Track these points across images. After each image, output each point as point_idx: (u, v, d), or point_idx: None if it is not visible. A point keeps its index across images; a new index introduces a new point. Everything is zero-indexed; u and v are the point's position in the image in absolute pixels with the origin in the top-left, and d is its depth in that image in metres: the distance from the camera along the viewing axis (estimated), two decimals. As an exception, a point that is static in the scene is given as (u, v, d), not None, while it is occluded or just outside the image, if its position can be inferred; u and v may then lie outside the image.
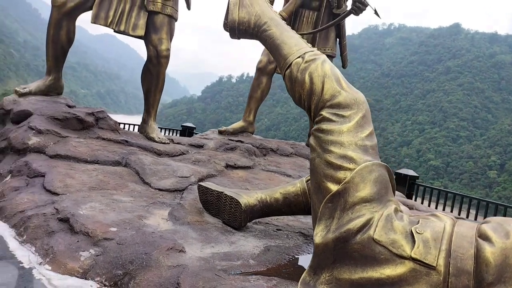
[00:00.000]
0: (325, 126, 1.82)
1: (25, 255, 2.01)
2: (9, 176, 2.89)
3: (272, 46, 2.10)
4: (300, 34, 4.75)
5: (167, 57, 3.93)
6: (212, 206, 2.53)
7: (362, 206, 1.64)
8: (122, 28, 3.77)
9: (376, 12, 4.01)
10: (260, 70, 4.77)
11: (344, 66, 5.15)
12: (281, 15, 4.60)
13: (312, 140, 1.87)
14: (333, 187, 1.70)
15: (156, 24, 3.84)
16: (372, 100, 78.67)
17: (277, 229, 2.57)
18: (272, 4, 2.90)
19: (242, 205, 2.35)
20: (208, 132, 4.86)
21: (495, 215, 5.27)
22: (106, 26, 3.75)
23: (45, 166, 2.85)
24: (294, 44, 2.04)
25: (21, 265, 1.91)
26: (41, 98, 3.63)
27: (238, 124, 4.84)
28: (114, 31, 3.82)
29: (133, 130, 7.22)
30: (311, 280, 1.65)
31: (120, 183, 2.89)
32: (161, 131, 5.88)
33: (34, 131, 3.15)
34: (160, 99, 4.14)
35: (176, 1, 4.01)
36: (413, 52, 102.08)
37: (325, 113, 1.85)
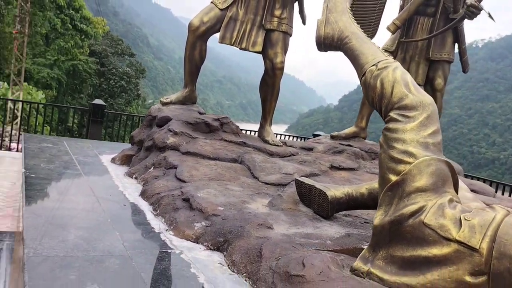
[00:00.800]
0: (391, 125, 2.06)
1: (156, 224, 2.65)
2: (152, 167, 3.68)
3: (352, 57, 2.40)
4: (415, 41, 4.83)
5: (282, 69, 4.43)
6: (305, 198, 2.90)
7: (417, 195, 1.85)
8: (243, 46, 4.39)
9: (490, 16, 3.92)
10: (372, 77, 4.95)
11: (464, 70, 5.02)
12: (394, 23, 4.76)
13: (381, 138, 2.12)
14: (394, 178, 1.93)
15: (272, 40, 4.37)
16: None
17: (364, 222, 2.82)
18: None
19: (329, 197, 2.67)
20: (321, 136, 5.21)
21: None
22: (231, 45, 4.40)
23: (178, 160, 3.55)
24: (371, 54, 2.31)
25: (153, 230, 2.54)
26: (179, 107, 4.44)
27: (351, 129, 5.09)
28: (239, 48, 4.46)
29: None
30: (370, 256, 1.91)
31: (234, 176, 3.44)
32: (291, 138, 6.39)
33: (171, 133, 3.92)
34: (275, 107, 4.65)
35: (291, 18, 4.49)
36: None
37: (393, 114, 2.09)
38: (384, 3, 3.12)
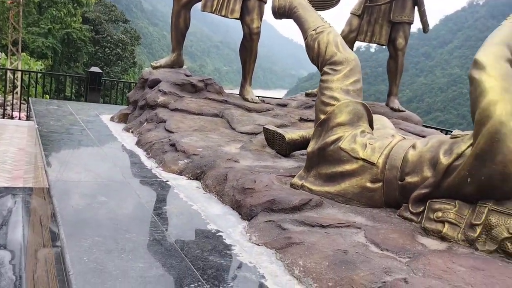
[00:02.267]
0: (324, 77, 2.68)
1: (149, 163, 3.32)
2: (145, 123, 4.32)
3: (299, 23, 2.99)
4: (378, 5, 5.36)
5: (258, 34, 4.98)
6: (270, 142, 3.55)
7: (338, 128, 2.50)
8: (223, 13, 4.93)
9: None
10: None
11: (424, 30, 5.56)
12: (360, -11, 5.28)
13: (317, 88, 2.74)
14: (322, 117, 2.57)
15: (249, 8, 4.90)
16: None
17: (317, 159, 3.47)
18: None
19: (287, 139, 3.32)
20: (297, 95, 5.82)
21: None
22: (212, 12, 4.94)
23: (167, 116, 4.18)
24: (312, 21, 2.90)
25: (146, 167, 3.21)
26: (167, 70, 5.03)
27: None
28: (219, 15, 4.99)
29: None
30: (304, 175, 2.58)
31: (214, 127, 4.08)
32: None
33: (161, 93, 4.53)
34: (254, 68, 5.23)
35: (266, -13, 4.99)
36: None
37: (325, 68, 2.71)
38: None
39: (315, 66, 2.88)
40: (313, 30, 2.84)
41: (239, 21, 5.05)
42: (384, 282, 1.55)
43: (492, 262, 1.74)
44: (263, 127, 3.64)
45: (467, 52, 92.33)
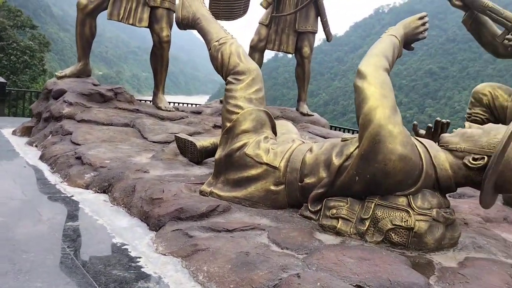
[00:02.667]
0: (228, 87, 2.77)
1: (53, 178, 3.18)
2: (50, 136, 4.12)
3: (202, 34, 3.05)
4: (284, 15, 5.57)
5: (168, 42, 4.98)
6: (182, 150, 3.57)
7: (242, 135, 2.60)
8: (131, 21, 4.86)
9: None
10: (252, 47, 5.67)
11: (328, 39, 5.92)
12: (266, 0, 5.49)
13: (223, 97, 2.83)
14: (228, 125, 2.66)
15: (157, 16, 4.88)
16: (436, 68, 75.13)
17: (228, 165, 3.56)
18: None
19: (198, 147, 3.37)
20: (212, 102, 5.89)
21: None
22: (119, 21, 4.84)
23: (73, 128, 4.03)
24: (215, 32, 2.98)
25: (49, 182, 3.08)
26: (74, 80, 4.84)
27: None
28: (126, 24, 4.90)
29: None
30: (213, 182, 2.64)
31: (125, 137, 4.01)
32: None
33: (67, 104, 4.35)
34: (166, 76, 5.21)
35: (174, -4, 5.00)
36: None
37: (229, 78, 2.80)
38: None
39: (220, 75, 2.96)
40: (216, 41, 2.92)
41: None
42: (281, 279, 1.66)
43: (377, 252, 1.92)
44: (175, 136, 3.65)
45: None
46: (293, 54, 5.74)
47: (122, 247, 2.09)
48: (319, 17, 5.69)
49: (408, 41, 2.55)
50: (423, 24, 2.54)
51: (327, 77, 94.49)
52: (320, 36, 5.65)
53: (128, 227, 2.37)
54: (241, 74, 2.77)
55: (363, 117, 2.10)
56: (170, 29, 5.02)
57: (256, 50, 5.66)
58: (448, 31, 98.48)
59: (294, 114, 5.69)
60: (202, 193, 2.60)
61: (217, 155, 2.65)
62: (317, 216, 2.30)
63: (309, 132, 4.91)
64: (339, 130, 7.86)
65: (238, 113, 2.65)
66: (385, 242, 2.08)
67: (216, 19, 4.74)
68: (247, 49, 5.93)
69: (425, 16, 2.56)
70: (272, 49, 5.66)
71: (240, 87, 2.73)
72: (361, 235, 2.12)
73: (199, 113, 5.23)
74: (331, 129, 6.59)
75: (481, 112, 3.50)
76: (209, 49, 2.96)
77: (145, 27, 4.90)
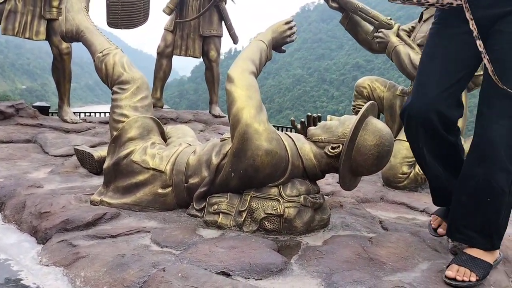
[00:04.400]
0: (114, 96, 2.85)
1: None
2: None
3: (87, 46, 3.09)
4: (187, 21, 5.68)
5: (69, 54, 4.92)
6: (82, 161, 3.57)
7: (129, 142, 2.68)
8: (27, 35, 4.74)
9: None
10: (159, 54, 5.74)
11: (234, 42, 6.11)
12: (169, 6, 5.58)
13: (110, 107, 2.89)
14: (115, 133, 2.73)
15: (55, 29, 4.80)
16: (363, 61, 78.56)
17: (131, 172, 3.62)
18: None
19: (95, 157, 3.40)
20: (124, 110, 5.86)
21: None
22: (15, 35, 4.71)
23: (-33, 148, 3.88)
24: (99, 43, 3.03)
25: None
26: (-32, 98, 4.63)
27: (148, 101, 5.83)
28: (23, 38, 4.78)
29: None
30: (104, 191, 2.71)
31: (25, 154, 3.93)
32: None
33: (-40, 124, 4.17)
34: (70, 88, 5.13)
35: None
36: (400, 7, 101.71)
37: (115, 88, 2.87)
38: None
39: (106, 85, 3.02)
40: (100, 53, 2.97)
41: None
42: (150, 275, 1.78)
43: (247, 240, 2.10)
44: (74, 148, 3.64)
45: (306, 53, 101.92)
46: (201, 58, 5.88)
47: (5, 263, 2.10)
48: (222, 21, 5.87)
49: (278, 45, 2.76)
50: (290, 28, 2.76)
51: (261, 77, 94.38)
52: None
53: (15, 243, 2.38)
54: (125, 84, 2.85)
55: (232, 118, 2.28)
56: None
57: (163, 56, 5.73)
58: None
59: (207, 116, 5.83)
60: (92, 202, 2.66)
61: (105, 165, 2.72)
62: (202, 214, 2.45)
63: (219, 133, 5.07)
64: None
65: (124, 121, 2.73)
66: (261, 231, 2.28)
67: (116, 28, 4.79)
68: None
69: (291, 21, 2.78)
70: (180, 54, 5.76)
71: (125, 96, 2.81)
72: (239, 227, 2.30)
73: (107, 123, 5.19)
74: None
75: (363, 104, 3.84)
76: (94, 61, 3.01)
77: (43, 40, 4.80)
